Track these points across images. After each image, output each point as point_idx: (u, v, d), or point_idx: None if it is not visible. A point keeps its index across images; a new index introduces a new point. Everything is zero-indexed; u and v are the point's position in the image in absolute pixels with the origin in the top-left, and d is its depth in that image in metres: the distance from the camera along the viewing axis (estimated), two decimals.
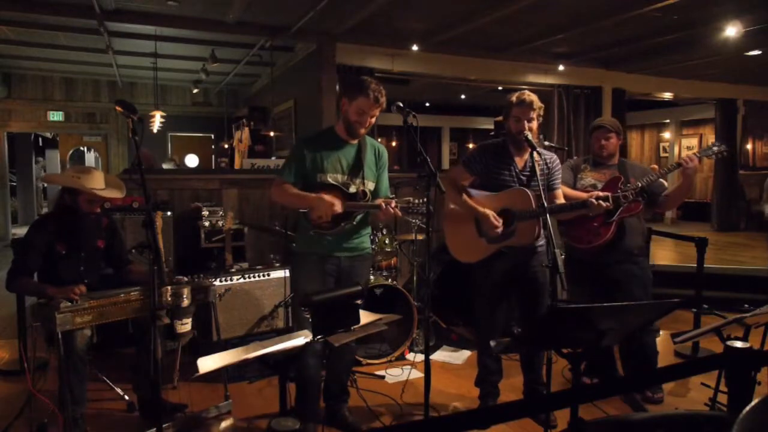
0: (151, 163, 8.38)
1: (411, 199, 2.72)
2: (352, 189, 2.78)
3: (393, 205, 2.65)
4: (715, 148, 3.05)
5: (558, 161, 3.07)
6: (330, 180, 2.76)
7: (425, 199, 2.57)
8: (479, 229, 3.00)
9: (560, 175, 3.10)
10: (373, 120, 2.77)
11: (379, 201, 2.71)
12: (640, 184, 2.99)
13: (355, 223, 2.82)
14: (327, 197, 2.66)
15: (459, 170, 3.10)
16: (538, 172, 2.77)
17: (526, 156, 2.98)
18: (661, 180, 3.16)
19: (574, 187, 3.28)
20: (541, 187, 2.70)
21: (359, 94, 2.69)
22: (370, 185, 2.86)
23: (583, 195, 3.04)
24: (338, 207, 2.67)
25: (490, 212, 2.89)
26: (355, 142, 2.84)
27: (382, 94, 2.72)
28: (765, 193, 4.79)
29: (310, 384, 2.84)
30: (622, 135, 3.37)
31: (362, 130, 2.79)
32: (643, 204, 3.12)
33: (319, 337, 2.01)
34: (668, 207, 3.34)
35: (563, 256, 4.65)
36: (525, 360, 3.20)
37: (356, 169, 2.82)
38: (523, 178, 2.97)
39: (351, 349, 3.06)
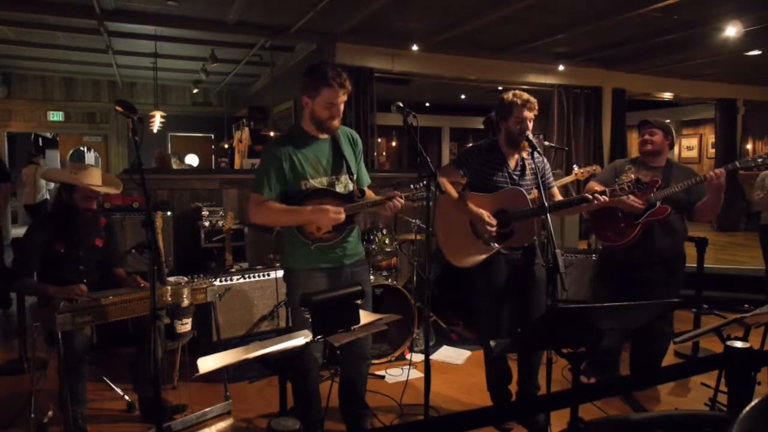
0: (167, 164, 8.28)
1: (412, 185, 2.51)
2: (339, 188, 2.55)
3: (397, 196, 2.44)
4: (760, 160, 2.92)
5: (546, 160, 3.07)
6: (316, 184, 2.50)
7: (425, 182, 2.39)
8: (475, 231, 2.96)
9: (551, 173, 3.10)
10: (342, 106, 2.48)
11: (383, 196, 2.49)
12: (634, 177, 2.91)
13: (355, 225, 2.66)
14: (329, 207, 2.41)
15: (449, 169, 3.02)
16: (529, 172, 2.77)
17: (517, 156, 2.99)
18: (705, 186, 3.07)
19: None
20: (542, 186, 2.70)
21: (322, 85, 2.40)
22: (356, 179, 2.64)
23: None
24: (342, 215, 2.42)
25: (484, 212, 2.85)
26: (326, 136, 2.57)
27: (343, 76, 2.42)
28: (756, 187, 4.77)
29: (309, 393, 2.65)
30: (671, 136, 3.29)
31: (336, 123, 2.50)
32: (673, 210, 3.10)
33: (319, 337, 2.01)
34: (701, 218, 3.25)
35: (564, 256, 4.61)
36: (523, 361, 3.13)
37: (338, 165, 2.57)
38: (515, 177, 2.97)
39: (365, 354, 2.79)
